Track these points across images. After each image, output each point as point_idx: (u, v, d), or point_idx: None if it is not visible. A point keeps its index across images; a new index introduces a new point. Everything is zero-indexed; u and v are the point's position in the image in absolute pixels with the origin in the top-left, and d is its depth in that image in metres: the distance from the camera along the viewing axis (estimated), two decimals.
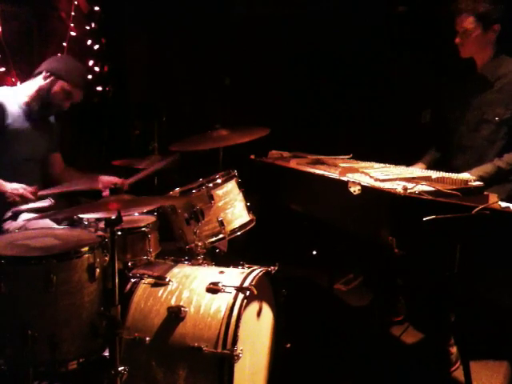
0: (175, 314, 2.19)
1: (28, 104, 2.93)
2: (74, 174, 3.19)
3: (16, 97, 2.93)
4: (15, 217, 2.74)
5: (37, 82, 2.93)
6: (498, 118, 2.86)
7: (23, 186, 2.69)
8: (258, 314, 2.40)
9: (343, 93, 4.52)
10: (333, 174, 2.64)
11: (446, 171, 2.79)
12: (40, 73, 2.93)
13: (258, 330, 2.42)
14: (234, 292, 2.20)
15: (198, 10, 4.58)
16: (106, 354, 2.14)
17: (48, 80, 2.90)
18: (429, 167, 3.03)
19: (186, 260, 2.58)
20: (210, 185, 2.64)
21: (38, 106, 2.94)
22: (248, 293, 2.19)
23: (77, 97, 2.99)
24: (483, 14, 2.83)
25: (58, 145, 3.21)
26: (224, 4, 4.77)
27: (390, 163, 2.81)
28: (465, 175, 2.72)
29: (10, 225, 2.71)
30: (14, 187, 2.67)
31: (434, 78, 4.01)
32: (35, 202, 2.69)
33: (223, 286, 2.23)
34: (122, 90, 4.67)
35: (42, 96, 2.92)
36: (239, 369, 2.16)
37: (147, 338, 2.18)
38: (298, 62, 4.68)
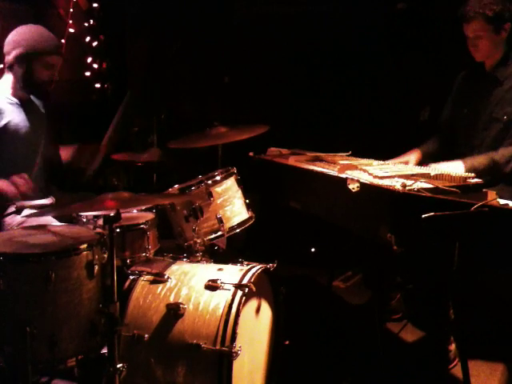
0: (174, 311, 2.19)
1: (16, 95, 2.84)
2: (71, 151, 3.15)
3: (2, 93, 2.82)
4: (18, 212, 2.72)
5: (15, 72, 2.80)
6: (507, 116, 2.85)
7: (24, 176, 2.62)
8: (257, 311, 2.40)
9: (342, 90, 4.51)
10: (331, 171, 2.64)
11: None
12: (11, 65, 2.79)
13: (256, 327, 2.42)
14: (233, 289, 2.20)
15: (198, 8, 4.57)
16: (105, 351, 2.14)
17: (25, 65, 2.76)
18: (424, 156, 3.03)
19: (184, 257, 2.58)
20: (209, 182, 2.65)
21: (27, 92, 2.85)
22: (247, 290, 2.19)
23: (60, 62, 2.86)
24: (493, 17, 2.78)
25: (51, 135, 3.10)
26: (224, 3, 4.76)
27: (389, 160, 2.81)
28: (458, 163, 2.72)
29: (12, 220, 2.71)
30: (12, 182, 2.59)
31: (433, 76, 4.01)
32: (34, 200, 2.67)
33: (222, 283, 2.23)
34: (120, 88, 4.66)
35: (27, 82, 2.80)
36: (238, 366, 2.16)
37: (146, 335, 2.19)
38: (296, 60, 4.67)
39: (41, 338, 2.02)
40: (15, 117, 2.82)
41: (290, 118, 4.67)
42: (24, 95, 2.88)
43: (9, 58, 2.80)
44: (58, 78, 2.92)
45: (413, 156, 3.05)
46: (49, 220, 2.64)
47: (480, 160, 2.76)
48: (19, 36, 2.79)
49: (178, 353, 2.15)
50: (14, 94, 2.85)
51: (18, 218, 2.70)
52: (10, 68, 2.81)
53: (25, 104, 2.88)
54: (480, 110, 2.96)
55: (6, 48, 2.80)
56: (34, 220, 2.62)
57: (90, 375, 2.28)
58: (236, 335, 2.10)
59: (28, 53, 2.75)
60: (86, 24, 4.24)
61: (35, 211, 2.62)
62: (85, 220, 2.55)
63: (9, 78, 2.84)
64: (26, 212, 2.72)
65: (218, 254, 2.86)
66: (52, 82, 2.89)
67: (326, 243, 3.92)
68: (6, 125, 2.77)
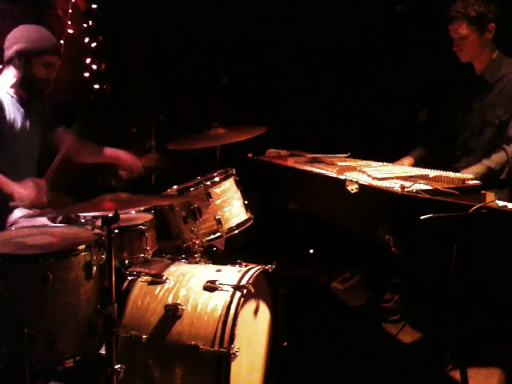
0: (172, 312, 2.19)
1: (17, 92, 2.82)
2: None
3: (3, 86, 2.81)
4: (10, 211, 2.71)
5: (12, 69, 2.79)
6: (498, 120, 2.86)
7: (30, 185, 2.60)
8: (255, 312, 2.40)
9: (340, 91, 4.52)
10: (330, 172, 2.64)
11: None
12: (11, 59, 2.79)
13: (255, 329, 2.42)
14: (231, 290, 2.20)
15: (198, 8, 4.58)
16: (103, 352, 2.14)
17: (22, 63, 2.77)
18: (416, 162, 3.05)
19: (183, 258, 2.57)
20: (208, 183, 2.64)
21: (25, 91, 2.83)
22: (245, 291, 2.19)
23: (58, 62, 2.87)
24: (476, 18, 2.79)
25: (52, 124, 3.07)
26: (224, 3, 4.76)
27: (388, 162, 2.81)
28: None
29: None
30: (22, 191, 2.57)
31: (431, 77, 4.01)
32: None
33: (220, 284, 2.23)
34: (119, 88, 4.66)
35: (24, 80, 2.79)
36: (236, 367, 2.16)
37: (144, 336, 2.18)
38: (296, 60, 4.68)
39: (39, 339, 2.00)
40: (14, 111, 2.80)
41: (289, 118, 4.67)
42: (24, 94, 2.86)
43: (8, 53, 2.79)
44: (56, 79, 2.91)
45: (406, 162, 3.08)
46: (43, 221, 2.63)
47: (476, 170, 2.76)
48: (21, 33, 2.80)
49: (176, 354, 2.15)
50: (15, 91, 2.84)
51: (12, 219, 2.69)
52: (10, 62, 2.80)
53: (25, 102, 2.86)
54: (474, 114, 2.98)
55: (6, 43, 2.81)
56: (27, 220, 2.61)
57: (87, 376, 2.28)
58: (234, 336, 2.10)
59: (28, 49, 2.76)
60: (85, 25, 4.25)
61: (29, 211, 2.63)
62: (83, 221, 2.54)
63: (9, 73, 2.83)
64: (19, 211, 2.71)
65: (217, 255, 2.86)
66: (49, 82, 2.88)
67: (324, 243, 3.92)
68: (3, 118, 2.74)
